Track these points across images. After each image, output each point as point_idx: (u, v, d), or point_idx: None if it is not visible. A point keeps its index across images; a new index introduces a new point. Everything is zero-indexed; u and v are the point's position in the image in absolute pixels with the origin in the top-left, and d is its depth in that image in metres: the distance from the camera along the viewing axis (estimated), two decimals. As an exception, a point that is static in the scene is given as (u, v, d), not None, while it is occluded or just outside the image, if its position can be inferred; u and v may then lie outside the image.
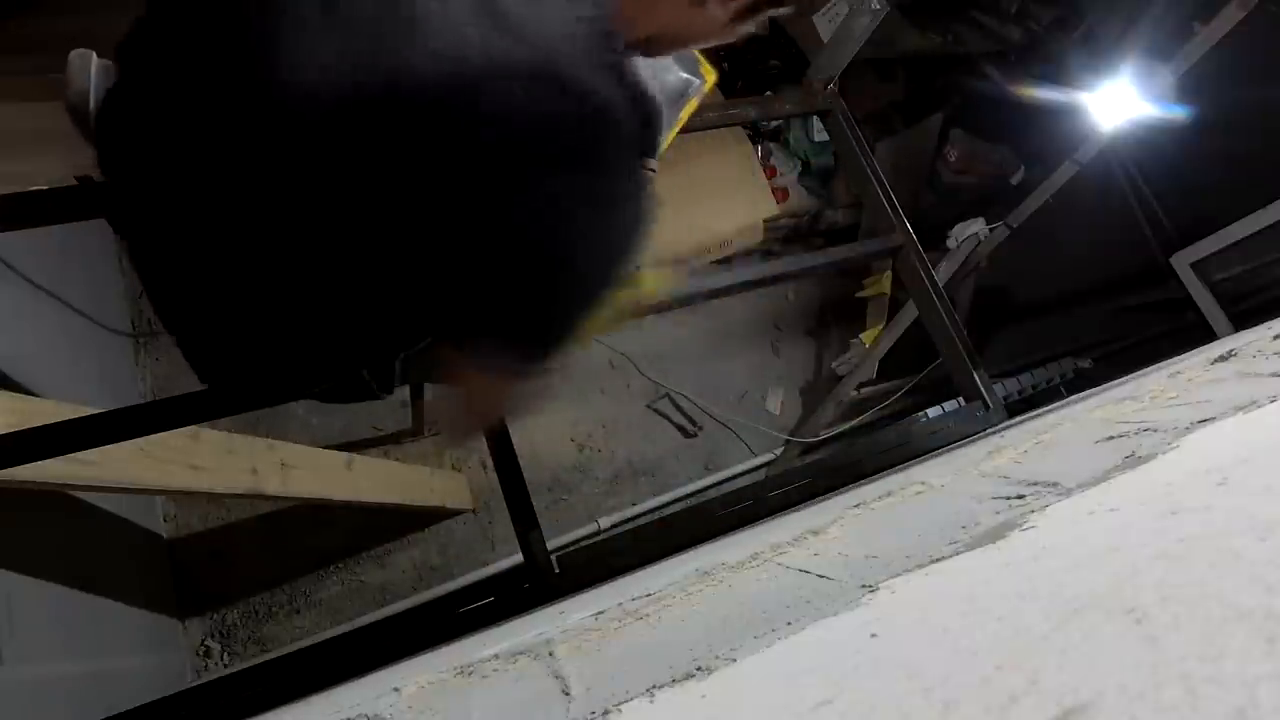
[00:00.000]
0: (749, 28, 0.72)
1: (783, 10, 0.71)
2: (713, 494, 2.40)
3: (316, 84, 0.60)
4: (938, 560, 0.44)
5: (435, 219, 0.64)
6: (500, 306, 0.69)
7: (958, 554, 0.44)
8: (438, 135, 0.61)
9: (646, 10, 0.69)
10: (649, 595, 0.55)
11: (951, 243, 2.11)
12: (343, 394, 0.85)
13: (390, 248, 0.66)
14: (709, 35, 0.71)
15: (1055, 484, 0.52)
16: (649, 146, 0.73)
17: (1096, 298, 2.53)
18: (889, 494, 0.68)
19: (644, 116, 0.69)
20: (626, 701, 0.37)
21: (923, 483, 0.68)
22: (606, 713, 0.36)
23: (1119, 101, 1.78)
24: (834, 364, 2.62)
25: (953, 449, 1.17)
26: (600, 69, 0.65)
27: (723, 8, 0.68)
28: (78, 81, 0.80)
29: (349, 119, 0.61)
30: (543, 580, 1.01)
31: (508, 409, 0.88)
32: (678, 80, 1.22)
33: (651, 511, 2.36)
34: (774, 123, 2.81)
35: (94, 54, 0.82)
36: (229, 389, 0.91)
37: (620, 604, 0.55)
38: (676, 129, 1.25)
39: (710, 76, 1.26)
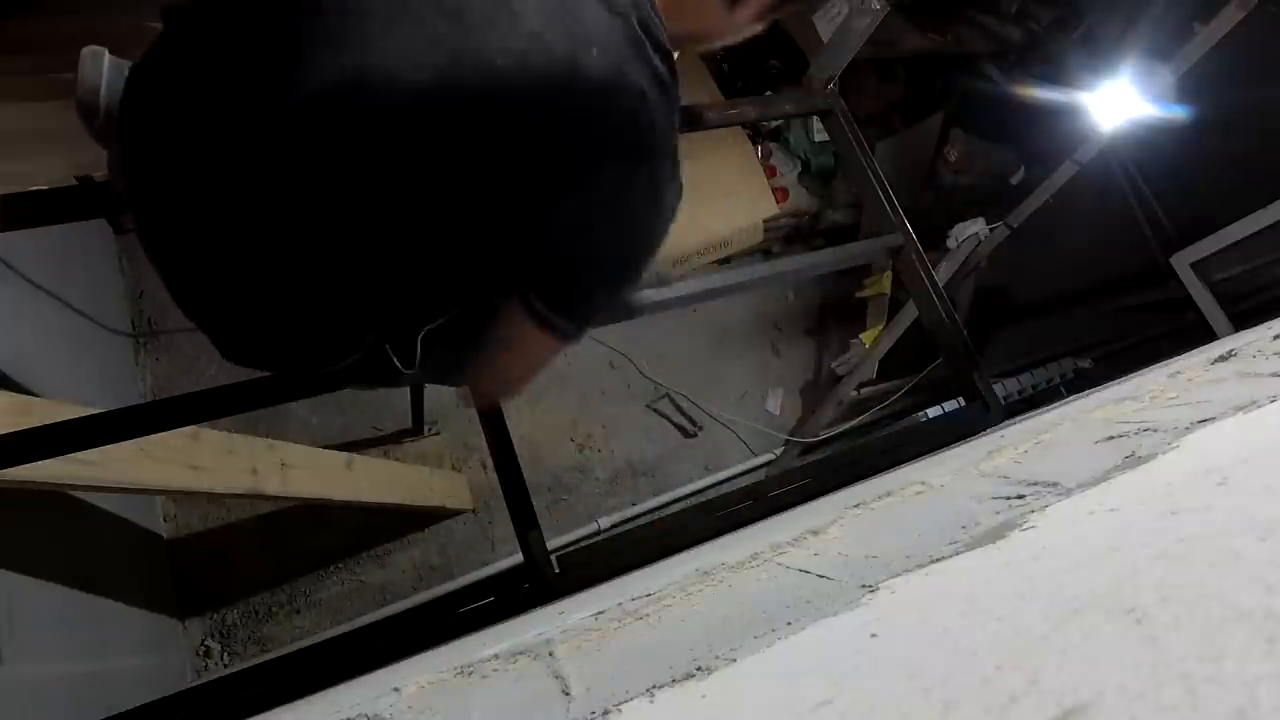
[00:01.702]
0: (758, 27, 0.78)
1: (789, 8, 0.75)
2: (713, 494, 2.40)
3: (391, 68, 0.65)
4: (938, 560, 0.44)
5: (499, 197, 0.70)
6: (563, 271, 0.77)
7: (958, 554, 0.44)
8: (512, 129, 0.67)
9: (682, 10, 0.74)
10: (649, 595, 0.55)
11: (951, 243, 2.11)
12: (365, 373, 0.88)
13: (442, 221, 0.71)
14: (729, 34, 0.78)
15: (1055, 484, 0.52)
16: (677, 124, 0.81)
17: (1096, 298, 2.53)
18: (889, 494, 0.68)
19: (673, 101, 0.74)
20: (626, 701, 0.37)
21: (923, 483, 0.68)
22: (606, 713, 0.36)
23: (1119, 101, 1.77)
24: (834, 364, 2.62)
25: (953, 449, 1.17)
26: (641, 62, 0.70)
27: (750, 11, 0.73)
28: (90, 79, 0.80)
29: (422, 104, 0.65)
30: (543, 580, 1.01)
31: (535, 372, 0.93)
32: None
33: (651, 511, 2.36)
34: (774, 123, 2.81)
35: (106, 51, 0.81)
36: (256, 362, 0.95)
37: (620, 604, 0.55)
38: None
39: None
